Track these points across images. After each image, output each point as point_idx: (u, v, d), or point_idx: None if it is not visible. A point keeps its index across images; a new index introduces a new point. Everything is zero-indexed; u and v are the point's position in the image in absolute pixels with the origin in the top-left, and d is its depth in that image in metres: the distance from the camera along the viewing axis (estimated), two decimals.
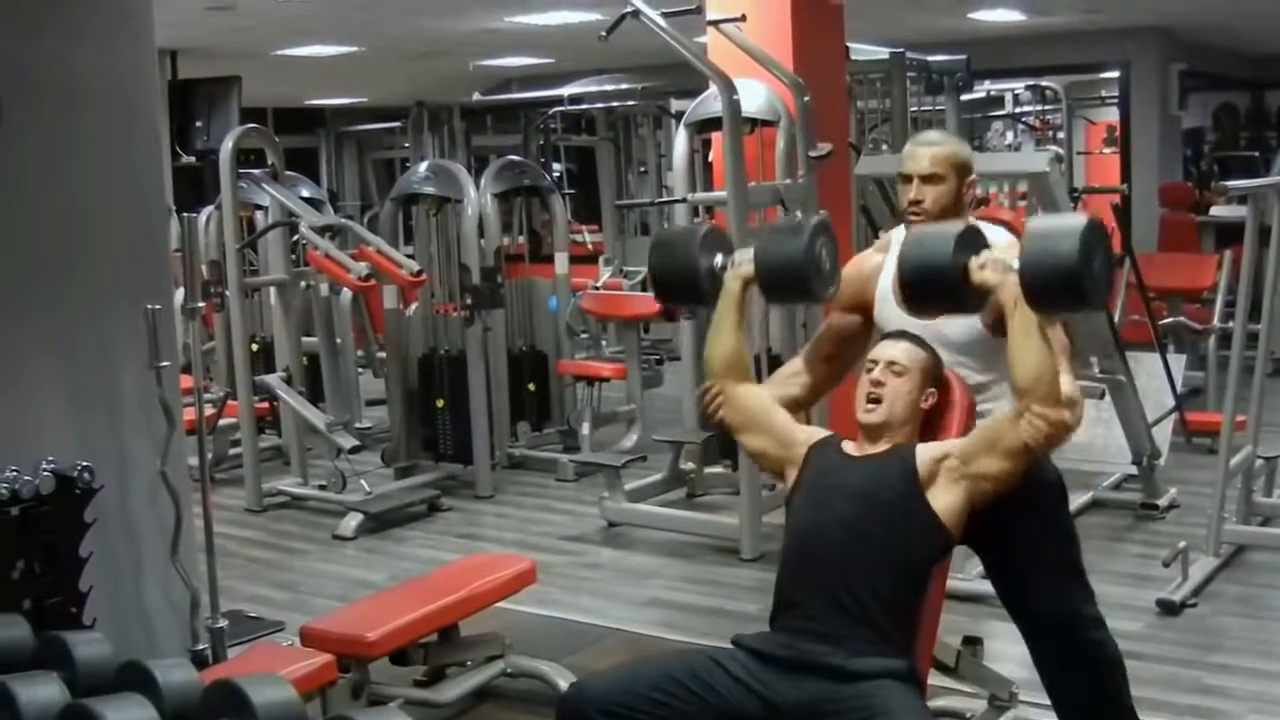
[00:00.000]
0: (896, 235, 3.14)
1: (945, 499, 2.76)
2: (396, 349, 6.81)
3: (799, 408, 3.11)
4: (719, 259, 3.05)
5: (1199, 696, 3.88)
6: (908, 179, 3.07)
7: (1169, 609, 4.54)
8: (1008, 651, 3.76)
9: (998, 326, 2.80)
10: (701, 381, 3.16)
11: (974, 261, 2.71)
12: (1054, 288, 2.62)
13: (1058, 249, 2.60)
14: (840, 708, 2.58)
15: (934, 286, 2.74)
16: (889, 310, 3.09)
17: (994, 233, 3.06)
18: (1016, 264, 2.65)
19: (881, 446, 2.85)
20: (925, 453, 2.81)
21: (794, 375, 3.23)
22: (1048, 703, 3.21)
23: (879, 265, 3.18)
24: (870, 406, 2.86)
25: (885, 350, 2.91)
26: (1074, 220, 2.70)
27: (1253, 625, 4.49)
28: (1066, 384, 2.79)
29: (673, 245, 3.15)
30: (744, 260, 3.00)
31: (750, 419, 3.02)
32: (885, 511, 2.75)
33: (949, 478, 2.76)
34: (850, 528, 2.75)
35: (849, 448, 2.91)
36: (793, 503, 2.91)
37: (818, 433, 3.01)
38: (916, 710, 2.59)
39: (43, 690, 2.28)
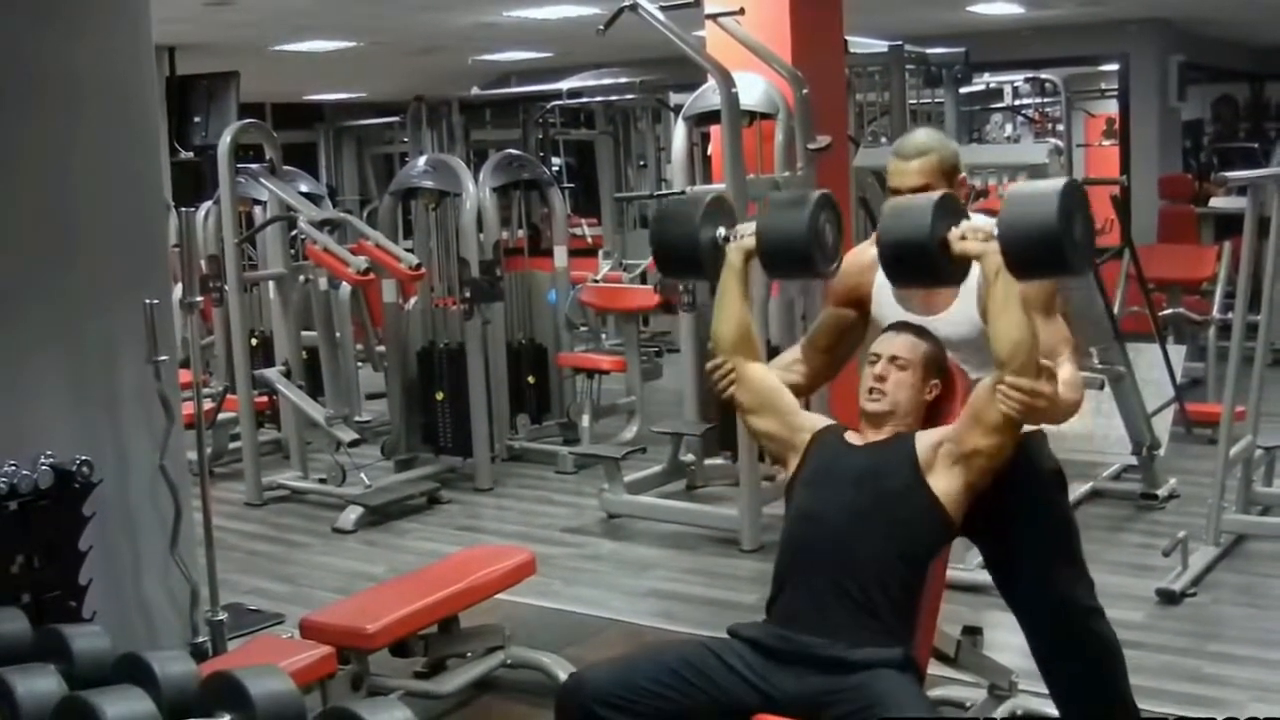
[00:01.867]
0: None
1: (945, 482, 2.76)
2: (396, 343, 6.81)
3: (797, 396, 3.07)
4: (721, 231, 2.99)
5: (1199, 685, 3.88)
6: (897, 193, 2.95)
7: (1169, 598, 4.54)
8: (1008, 641, 3.75)
9: None
10: (702, 373, 3.13)
11: (954, 232, 2.65)
12: (1033, 251, 2.54)
13: (1035, 211, 2.52)
14: (839, 699, 2.58)
15: (915, 260, 2.66)
16: (886, 307, 3.07)
17: (989, 223, 3.05)
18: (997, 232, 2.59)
19: (884, 434, 2.86)
20: (925, 439, 2.81)
21: (793, 364, 3.21)
22: (1047, 692, 3.22)
23: (874, 260, 3.09)
24: (874, 396, 2.87)
25: (888, 344, 2.90)
26: (1052, 183, 2.61)
27: (1252, 614, 4.49)
28: (1067, 371, 2.78)
29: (675, 217, 3.06)
30: (746, 233, 2.95)
31: (761, 400, 2.99)
32: (888, 496, 2.75)
33: (946, 461, 2.76)
34: (853, 511, 2.75)
35: (851, 437, 2.91)
36: (794, 489, 2.90)
37: (821, 420, 3.00)
38: (915, 699, 2.58)
39: (40, 682, 2.28)
